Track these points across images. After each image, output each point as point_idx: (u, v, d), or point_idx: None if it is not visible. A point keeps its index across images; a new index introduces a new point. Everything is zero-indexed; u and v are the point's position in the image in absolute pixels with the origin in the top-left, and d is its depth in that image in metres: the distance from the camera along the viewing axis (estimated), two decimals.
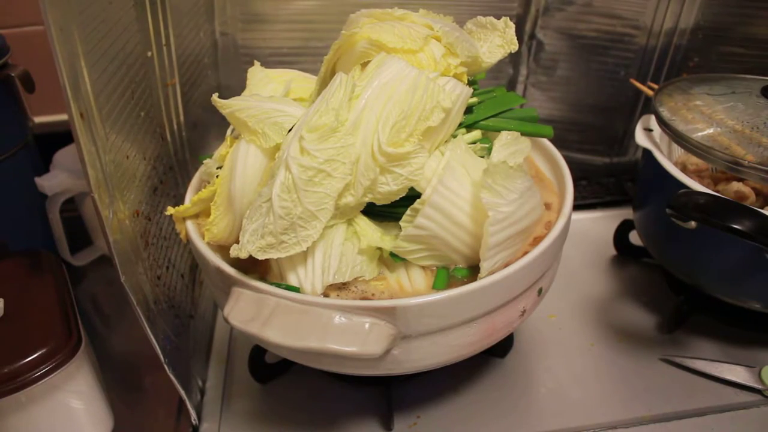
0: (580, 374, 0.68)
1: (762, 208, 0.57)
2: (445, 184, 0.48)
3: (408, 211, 0.49)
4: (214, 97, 0.54)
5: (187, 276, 0.70)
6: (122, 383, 0.67)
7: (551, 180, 0.63)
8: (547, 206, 0.58)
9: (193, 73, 0.73)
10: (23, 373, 0.51)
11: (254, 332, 0.46)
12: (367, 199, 0.49)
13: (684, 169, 0.67)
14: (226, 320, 0.49)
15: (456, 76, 0.54)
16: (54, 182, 0.77)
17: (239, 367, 0.69)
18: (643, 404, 0.64)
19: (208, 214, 0.54)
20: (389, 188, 0.48)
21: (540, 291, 0.56)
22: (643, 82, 0.83)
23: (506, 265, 0.50)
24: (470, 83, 0.56)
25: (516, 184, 0.49)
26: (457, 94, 0.51)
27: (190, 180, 0.61)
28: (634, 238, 0.81)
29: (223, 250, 0.54)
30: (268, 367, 0.67)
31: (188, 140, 0.72)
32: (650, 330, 0.73)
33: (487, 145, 0.54)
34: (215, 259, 0.52)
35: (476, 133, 0.55)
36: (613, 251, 0.84)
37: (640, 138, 0.70)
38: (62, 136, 0.69)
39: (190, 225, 0.56)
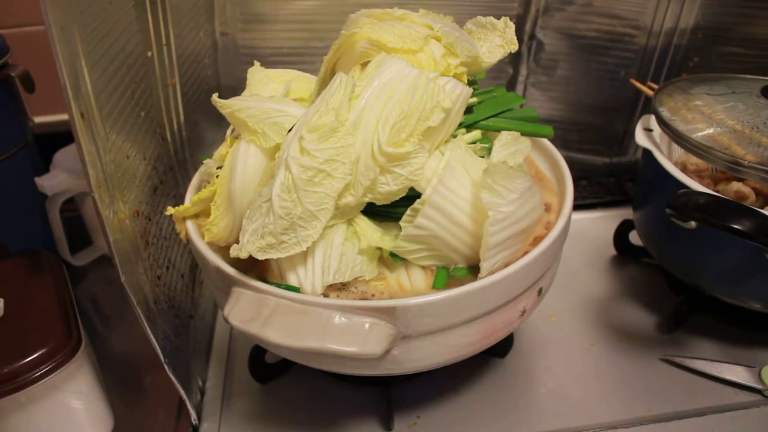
0: (580, 374, 0.68)
1: (762, 208, 0.57)
2: (445, 184, 0.48)
3: (408, 211, 0.49)
4: (214, 97, 0.54)
5: (187, 276, 0.70)
6: (122, 383, 0.67)
7: (551, 180, 0.63)
8: (547, 206, 0.58)
9: (193, 73, 0.73)
10: (23, 373, 0.51)
11: (254, 332, 0.46)
12: (367, 199, 0.49)
13: (684, 169, 0.67)
14: (226, 320, 0.49)
15: (456, 76, 0.54)
16: (54, 182, 0.77)
17: (239, 367, 0.69)
18: (643, 404, 0.64)
19: (208, 214, 0.54)
20: (389, 188, 0.48)
21: (540, 291, 0.56)
22: (643, 82, 0.83)
23: (506, 265, 0.50)
24: (470, 83, 0.56)
25: (516, 184, 0.49)
26: (457, 94, 0.51)
27: (190, 180, 0.61)
28: (634, 238, 0.81)
29: (223, 250, 0.54)
30: (268, 367, 0.67)
31: (188, 140, 0.72)
32: (650, 330, 0.73)
33: (487, 145, 0.54)
34: (215, 259, 0.52)
35: (476, 133, 0.55)
36: (613, 251, 0.84)
37: (640, 138, 0.70)
38: (62, 136, 0.69)
39: (190, 225, 0.56)
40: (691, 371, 0.67)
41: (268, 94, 0.57)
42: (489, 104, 0.58)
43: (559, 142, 0.65)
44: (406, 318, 0.47)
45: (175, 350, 0.59)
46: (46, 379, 0.52)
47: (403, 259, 0.51)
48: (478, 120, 0.56)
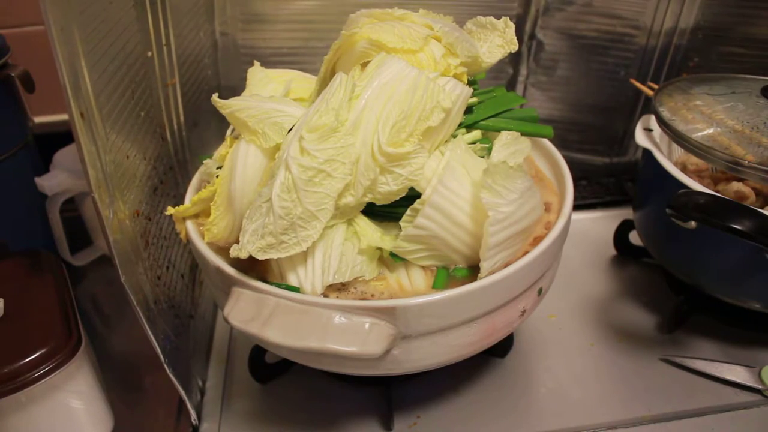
0: (580, 374, 0.68)
1: (762, 208, 0.57)
2: (445, 184, 0.48)
3: (408, 211, 0.49)
4: (214, 97, 0.54)
5: (187, 276, 0.70)
6: (122, 383, 0.67)
7: (551, 180, 0.63)
8: (547, 206, 0.58)
9: (193, 73, 0.73)
10: (23, 373, 0.51)
11: (254, 332, 0.46)
12: (367, 199, 0.49)
13: (684, 169, 0.67)
14: (226, 320, 0.49)
15: (456, 76, 0.54)
16: (54, 182, 0.77)
17: (239, 367, 0.69)
18: (643, 404, 0.64)
19: (208, 214, 0.54)
20: (389, 188, 0.48)
21: (540, 291, 0.56)
22: (643, 82, 0.83)
23: (506, 265, 0.50)
24: (470, 83, 0.56)
25: (516, 184, 0.49)
26: (457, 94, 0.51)
27: (190, 180, 0.61)
28: (634, 238, 0.81)
29: (223, 250, 0.54)
30: (268, 367, 0.67)
31: (188, 140, 0.72)
32: (650, 330, 0.73)
33: (487, 145, 0.54)
34: (215, 259, 0.52)
35: (476, 133, 0.55)
36: (613, 251, 0.84)
37: (640, 138, 0.70)
38: (62, 136, 0.69)
39: (190, 225, 0.56)
40: (691, 371, 0.67)
41: (268, 94, 0.57)
42: (489, 104, 0.58)
43: (559, 142, 0.65)
44: (406, 318, 0.47)
45: (175, 350, 0.59)
46: (46, 379, 0.52)
47: (403, 259, 0.51)
48: (478, 120, 0.56)
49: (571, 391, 0.66)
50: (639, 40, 0.85)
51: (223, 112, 0.54)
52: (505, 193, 0.48)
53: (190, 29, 0.72)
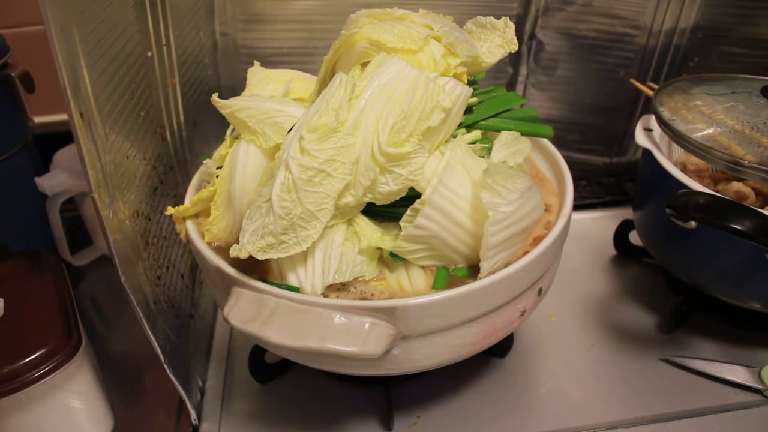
0: (580, 374, 0.68)
1: (762, 208, 0.57)
2: (445, 184, 0.48)
3: (408, 211, 0.49)
4: (214, 97, 0.54)
5: (187, 276, 0.70)
6: (122, 383, 0.67)
7: (551, 180, 0.63)
8: (547, 206, 0.58)
9: (193, 73, 0.73)
10: (23, 373, 0.51)
11: (254, 332, 0.46)
12: (367, 199, 0.49)
13: (684, 169, 0.67)
14: (226, 320, 0.49)
15: (456, 76, 0.54)
16: (54, 182, 0.77)
17: (239, 367, 0.69)
18: (643, 404, 0.64)
19: (208, 214, 0.54)
20: (389, 188, 0.48)
21: (540, 291, 0.56)
22: (643, 82, 0.83)
23: (506, 265, 0.50)
24: (470, 83, 0.56)
25: (516, 184, 0.49)
26: (457, 94, 0.51)
27: (190, 180, 0.61)
28: (634, 238, 0.81)
29: (223, 250, 0.54)
30: (268, 367, 0.67)
31: (188, 140, 0.72)
32: (650, 330, 0.73)
33: (487, 145, 0.54)
34: (215, 259, 0.52)
35: (476, 133, 0.55)
36: (613, 251, 0.84)
37: (640, 138, 0.70)
38: (62, 136, 0.69)
39: (190, 225, 0.56)
40: (691, 371, 0.67)
41: (268, 94, 0.57)
42: (489, 104, 0.58)
43: (559, 142, 0.65)
44: (406, 318, 0.47)
45: (175, 350, 0.59)
46: (46, 379, 0.52)
47: (403, 259, 0.51)
48: (478, 120, 0.56)
49: (571, 391, 0.66)
50: (639, 40, 0.85)
51: (223, 112, 0.54)
52: (505, 193, 0.48)
53: (190, 29, 0.72)
